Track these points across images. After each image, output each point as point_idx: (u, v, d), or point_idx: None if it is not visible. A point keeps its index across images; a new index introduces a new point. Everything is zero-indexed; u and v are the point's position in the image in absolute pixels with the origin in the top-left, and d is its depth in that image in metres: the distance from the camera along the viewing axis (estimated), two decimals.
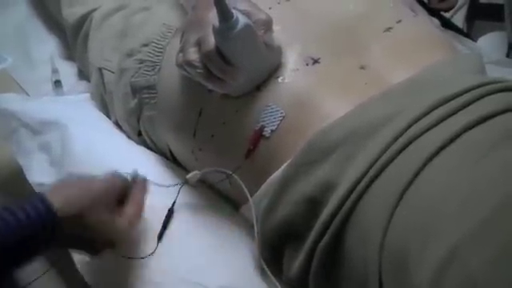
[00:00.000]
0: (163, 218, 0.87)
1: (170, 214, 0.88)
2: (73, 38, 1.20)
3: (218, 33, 0.75)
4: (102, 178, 0.80)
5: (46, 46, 1.28)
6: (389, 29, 0.86)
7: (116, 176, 0.82)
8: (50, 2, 1.26)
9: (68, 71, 1.23)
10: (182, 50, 0.80)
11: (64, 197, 0.73)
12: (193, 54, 0.78)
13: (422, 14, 0.95)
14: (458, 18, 1.48)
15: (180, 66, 0.81)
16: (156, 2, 1.07)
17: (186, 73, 0.81)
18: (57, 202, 0.71)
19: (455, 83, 0.74)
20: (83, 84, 1.20)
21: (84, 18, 1.16)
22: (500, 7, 1.32)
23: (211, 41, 0.76)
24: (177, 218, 0.88)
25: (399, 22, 0.88)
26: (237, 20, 0.74)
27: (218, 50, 0.76)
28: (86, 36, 1.15)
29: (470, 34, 1.38)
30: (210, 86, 0.80)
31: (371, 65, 0.83)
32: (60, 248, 0.78)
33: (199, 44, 0.78)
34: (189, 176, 0.86)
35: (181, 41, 0.82)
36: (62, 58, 1.26)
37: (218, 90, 0.81)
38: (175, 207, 0.88)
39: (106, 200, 0.78)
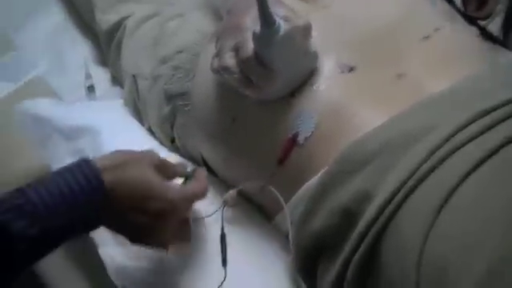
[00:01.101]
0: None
1: (223, 238, 0.85)
2: (106, 45, 1.20)
3: (259, 38, 0.74)
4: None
5: (80, 51, 1.28)
6: (427, 37, 0.85)
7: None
8: (83, 9, 1.27)
9: (101, 77, 1.23)
10: (218, 54, 0.80)
11: (105, 155, 0.74)
12: (229, 59, 0.78)
13: (460, 23, 0.93)
14: (493, 27, 1.45)
15: (216, 71, 0.80)
16: (189, 9, 1.07)
17: (222, 78, 0.81)
18: (99, 159, 0.71)
19: (494, 95, 0.72)
20: (116, 90, 1.20)
21: (117, 25, 1.17)
22: None
23: (249, 46, 0.76)
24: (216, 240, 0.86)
25: (437, 30, 0.86)
26: (279, 26, 0.73)
27: (257, 56, 0.75)
28: (120, 43, 1.15)
29: (505, 44, 1.35)
30: (246, 91, 0.80)
31: (408, 74, 0.81)
32: (111, 228, 0.75)
33: (236, 49, 0.77)
34: (226, 196, 0.85)
35: (216, 46, 0.82)
36: (95, 64, 1.27)
37: (254, 96, 0.81)
38: (214, 227, 0.87)
39: (148, 159, 0.76)
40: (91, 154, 0.96)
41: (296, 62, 0.79)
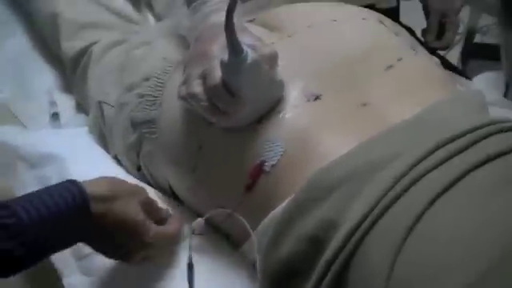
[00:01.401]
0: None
1: (191, 267, 0.83)
2: (71, 71, 1.19)
3: (227, 67, 0.75)
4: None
5: (44, 78, 1.27)
6: (390, 67, 0.87)
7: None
8: (48, 35, 1.26)
9: (66, 104, 1.22)
10: (186, 82, 0.80)
11: (94, 182, 0.75)
12: (197, 87, 0.78)
13: (422, 53, 0.96)
14: (452, 57, 1.49)
15: (183, 98, 0.80)
16: (156, 37, 1.07)
17: (189, 105, 0.81)
18: (93, 190, 0.72)
19: (457, 123, 0.74)
20: (81, 117, 1.19)
21: (83, 52, 1.16)
22: (494, 47, 1.33)
23: (217, 74, 0.76)
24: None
25: (400, 60, 0.88)
26: (246, 54, 0.74)
27: (224, 83, 0.76)
28: (85, 69, 1.15)
29: (464, 72, 1.38)
30: (213, 119, 0.80)
31: (373, 102, 0.83)
32: (91, 245, 0.77)
33: (204, 77, 0.78)
34: (193, 225, 0.84)
35: (183, 74, 0.82)
36: (60, 91, 1.25)
37: (222, 124, 0.81)
38: (181, 255, 0.86)
39: (137, 196, 0.79)
40: (57, 181, 0.95)
41: (263, 89, 0.79)
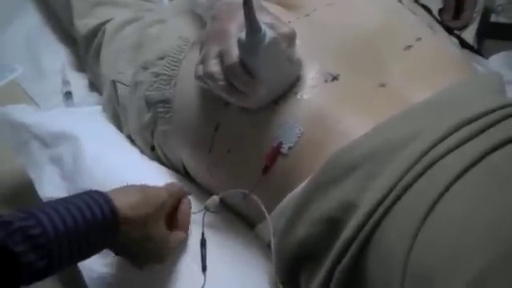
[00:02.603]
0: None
1: (204, 243, 0.84)
2: (85, 50, 1.18)
3: (244, 45, 0.73)
4: (164, 188, 0.81)
5: (57, 56, 1.26)
6: (409, 47, 0.85)
7: (176, 187, 0.84)
8: (61, 13, 1.25)
9: (79, 83, 1.21)
10: (203, 61, 0.79)
11: (128, 202, 0.72)
12: (214, 66, 0.77)
13: (441, 32, 0.94)
14: (467, 37, 1.47)
15: (200, 78, 0.79)
16: (171, 15, 1.05)
17: (206, 85, 0.79)
18: (121, 206, 0.70)
19: (476, 104, 0.72)
20: (94, 96, 1.18)
21: (96, 30, 1.15)
22: (510, 26, 1.30)
23: (234, 53, 0.75)
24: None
25: (419, 39, 0.86)
26: (265, 33, 0.73)
27: (242, 63, 0.74)
28: (99, 48, 1.13)
29: (480, 51, 1.36)
30: (230, 99, 0.79)
31: (391, 83, 0.81)
32: (113, 252, 0.77)
33: (221, 56, 0.76)
34: (208, 202, 0.84)
35: (200, 53, 0.80)
36: (73, 70, 1.24)
37: (239, 104, 0.80)
38: (194, 232, 0.86)
39: (166, 211, 0.79)
40: (70, 160, 0.96)
41: (281, 69, 0.78)
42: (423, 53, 0.85)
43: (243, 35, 0.73)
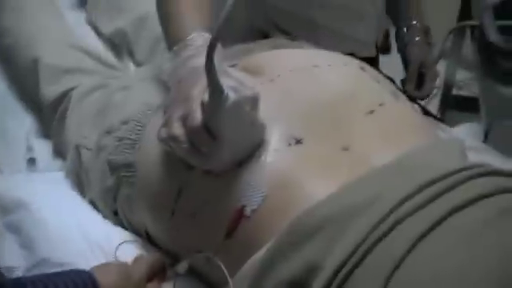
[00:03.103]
0: None
1: None
2: (50, 116, 1.17)
3: (207, 107, 0.74)
4: (142, 265, 0.84)
5: (22, 123, 1.24)
6: (371, 111, 0.86)
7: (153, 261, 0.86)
8: (28, 80, 1.24)
9: (44, 150, 1.19)
10: (166, 124, 0.78)
11: (109, 282, 0.76)
12: (177, 129, 0.77)
13: (403, 99, 0.95)
14: (432, 108, 1.50)
15: (163, 140, 0.79)
16: (136, 81, 1.06)
17: (169, 148, 0.79)
18: (104, 283, 0.75)
19: (439, 166, 0.73)
20: (58, 163, 1.16)
21: (62, 96, 1.15)
22: (471, 99, 1.34)
23: (198, 115, 0.75)
24: None
25: (382, 105, 0.87)
26: (227, 96, 0.73)
27: (205, 125, 0.74)
28: (64, 113, 1.13)
29: (443, 121, 1.39)
30: (193, 161, 0.78)
31: (354, 146, 0.82)
32: None
33: (184, 118, 0.76)
34: (178, 268, 0.83)
35: (164, 116, 0.80)
36: (37, 137, 1.23)
37: (201, 166, 0.80)
38: None
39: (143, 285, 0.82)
40: (28, 227, 0.94)
41: (244, 132, 0.78)
42: (386, 117, 0.86)
43: (206, 97, 0.73)
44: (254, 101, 0.78)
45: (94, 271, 0.75)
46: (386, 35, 1.67)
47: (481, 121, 1.25)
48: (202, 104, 0.74)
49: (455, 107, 1.61)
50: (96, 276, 0.74)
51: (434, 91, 1.33)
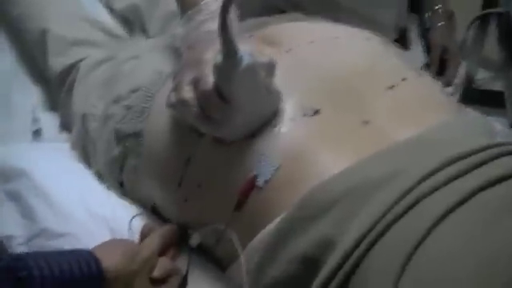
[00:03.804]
0: None
1: (185, 284, 0.80)
2: (57, 88, 1.15)
3: (220, 69, 0.70)
4: (153, 239, 0.81)
5: (29, 96, 1.22)
6: (392, 86, 0.83)
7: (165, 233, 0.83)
8: (35, 51, 1.22)
9: (50, 122, 1.17)
10: (176, 88, 0.75)
11: (114, 262, 0.73)
12: (187, 93, 0.74)
13: (427, 76, 0.92)
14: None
15: (172, 105, 0.76)
16: (147, 50, 1.03)
17: (178, 113, 0.77)
18: (108, 266, 0.72)
19: (463, 144, 0.69)
20: (65, 136, 1.14)
21: (70, 68, 1.13)
22: (495, 93, 1.30)
23: (210, 79, 0.72)
24: None
25: (404, 79, 0.84)
26: (242, 57, 0.69)
27: (217, 89, 0.71)
28: (72, 85, 1.11)
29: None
30: (203, 127, 0.75)
31: (374, 120, 0.79)
32: None
33: (195, 82, 0.73)
34: (191, 240, 0.81)
35: (174, 80, 0.77)
36: (44, 109, 1.21)
37: (212, 133, 0.77)
38: None
39: (148, 265, 0.78)
40: (29, 196, 0.92)
41: (258, 99, 0.75)
42: (408, 92, 0.83)
43: (219, 59, 0.70)
44: (269, 66, 0.75)
45: (97, 251, 0.73)
46: (404, 30, 1.64)
47: (506, 115, 1.21)
48: (215, 67, 0.71)
49: (478, 102, 1.57)
50: (100, 257, 0.72)
51: (455, 81, 1.30)
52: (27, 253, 0.69)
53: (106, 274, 0.71)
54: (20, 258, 0.65)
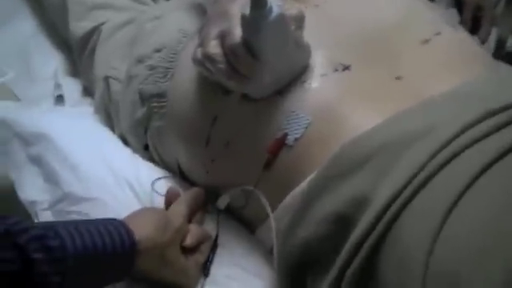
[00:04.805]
0: None
1: (214, 249, 0.80)
2: (79, 53, 1.14)
3: (248, 22, 0.68)
4: (180, 207, 0.79)
5: (50, 62, 1.20)
6: (427, 40, 0.80)
7: (192, 198, 0.82)
8: (57, 17, 1.21)
9: (72, 88, 1.15)
10: (202, 43, 0.73)
11: (146, 233, 0.72)
12: (214, 48, 0.71)
13: (462, 30, 0.88)
14: None
15: (198, 61, 0.74)
16: (170, 10, 1.01)
17: (204, 69, 0.74)
18: (140, 238, 0.71)
19: (501, 97, 0.66)
20: (87, 101, 1.13)
21: (92, 31, 1.11)
22: None
23: (237, 33, 0.69)
24: None
25: (438, 34, 0.82)
26: (271, 8, 0.67)
27: (245, 43, 0.69)
28: (94, 48, 1.09)
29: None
30: (231, 84, 0.73)
31: (407, 76, 0.76)
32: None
33: (222, 37, 0.71)
34: (219, 203, 0.81)
35: (199, 35, 0.74)
36: (66, 75, 1.19)
37: (240, 90, 0.75)
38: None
39: (180, 235, 0.77)
40: (52, 160, 0.91)
41: (287, 53, 0.72)
42: (443, 47, 0.80)
43: (247, 10, 0.67)
44: (299, 19, 0.72)
45: (129, 221, 0.71)
46: None
47: None
48: (243, 20, 0.68)
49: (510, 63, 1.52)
50: (133, 229, 0.70)
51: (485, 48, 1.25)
52: (58, 221, 0.68)
53: (139, 246, 0.70)
54: (49, 226, 0.63)
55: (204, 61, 0.72)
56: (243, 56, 0.69)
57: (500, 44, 1.66)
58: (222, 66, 0.71)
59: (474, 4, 1.19)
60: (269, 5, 0.67)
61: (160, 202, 0.84)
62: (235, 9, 0.72)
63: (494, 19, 1.20)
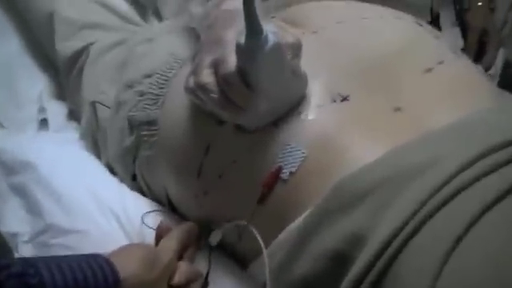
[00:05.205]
0: None
1: (206, 284, 0.80)
2: (67, 73, 1.14)
3: (243, 50, 0.69)
4: (171, 242, 0.79)
5: (35, 84, 1.21)
6: (429, 69, 0.81)
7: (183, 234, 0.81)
8: (43, 36, 1.22)
9: (56, 111, 1.16)
10: (195, 72, 0.74)
11: (132, 271, 0.71)
12: (207, 77, 0.72)
13: (465, 58, 0.90)
14: None
15: (190, 90, 0.75)
16: (161, 33, 1.02)
17: (197, 99, 0.75)
18: (126, 276, 0.70)
19: (506, 131, 0.67)
20: (72, 125, 1.13)
21: (80, 52, 1.12)
22: None
23: (232, 61, 0.70)
24: None
25: (441, 63, 0.83)
26: (267, 37, 0.68)
27: (240, 72, 0.70)
28: (81, 69, 1.10)
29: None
30: (224, 114, 0.74)
31: (407, 107, 0.77)
32: None
33: (216, 65, 0.72)
34: (211, 238, 0.81)
35: (192, 63, 0.76)
36: (51, 98, 1.19)
37: (234, 120, 0.76)
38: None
39: (167, 273, 0.77)
40: (35, 190, 0.91)
41: (284, 82, 0.73)
42: (445, 76, 0.82)
43: (242, 39, 0.69)
44: (296, 47, 0.73)
45: (114, 258, 0.71)
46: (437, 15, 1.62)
47: None
48: (238, 48, 0.69)
49: None
50: (117, 265, 0.70)
51: (492, 70, 1.27)
52: (40, 257, 0.68)
53: (125, 283, 0.69)
54: (31, 263, 0.64)
55: (196, 90, 0.73)
56: (238, 85, 0.70)
57: (507, 65, 1.68)
58: (215, 95, 0.72)
59: (480, 28, 1.21)
60: (265, 33, 0.68)
61: (150, 237, 0.84)
62: (230, 35, 0.73)
63: (499, 44, 1.23)
